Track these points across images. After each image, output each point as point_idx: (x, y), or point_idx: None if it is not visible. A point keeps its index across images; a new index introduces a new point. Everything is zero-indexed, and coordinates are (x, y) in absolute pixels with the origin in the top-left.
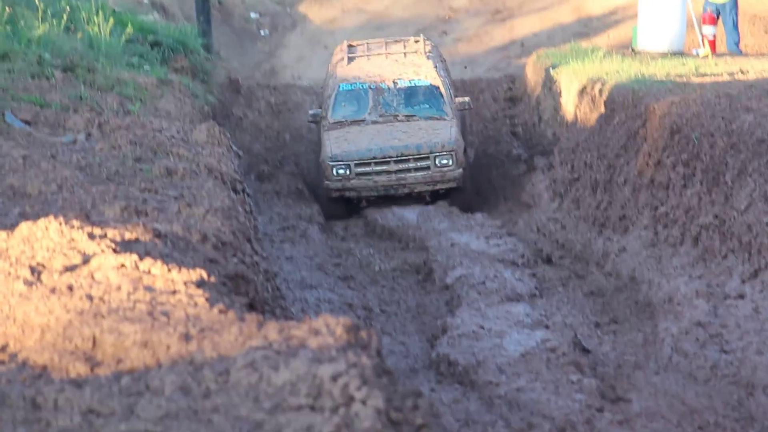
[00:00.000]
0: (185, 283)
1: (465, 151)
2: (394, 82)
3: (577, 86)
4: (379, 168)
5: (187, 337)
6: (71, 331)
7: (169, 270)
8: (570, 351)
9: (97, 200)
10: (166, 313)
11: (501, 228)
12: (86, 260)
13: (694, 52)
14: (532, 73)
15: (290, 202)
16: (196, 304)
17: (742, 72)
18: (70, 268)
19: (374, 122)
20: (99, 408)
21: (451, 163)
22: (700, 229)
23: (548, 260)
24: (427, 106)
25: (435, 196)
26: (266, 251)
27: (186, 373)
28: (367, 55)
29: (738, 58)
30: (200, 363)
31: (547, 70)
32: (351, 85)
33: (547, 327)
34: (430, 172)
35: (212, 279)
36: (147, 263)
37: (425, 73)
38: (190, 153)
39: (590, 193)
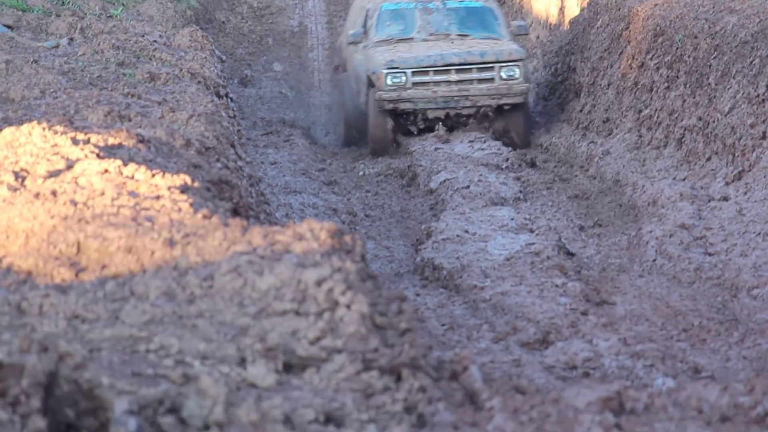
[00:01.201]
0: (169, 189)
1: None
2: (444, 2)
3: None
4: (438, 77)
5: (171, 243)
6: (55, 236)
7: (153, 175)
8: (554, 254)
9: (81, 105)
10: (150, 219)
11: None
12: (70, 165)
13: None
14: None
15: (274, 107)
16: (180, 210)
17: None
18: (54, 174)
19: (424, 41)
20: (84, 313)
21: (517, 75)
22: (684, 131)
23: (532, 164)
24: (482, 27)
25: (499, 114)
26: (250, 156)
27: (170, 278)
28: None
29: None
30: (184, 268)
31: None
32: (395, 4)
33: (531, 231)
34: (495, 84)
35: (196, 184)
36: (131, 168)
37: None
38: (173, 58)
39: (574, 97)
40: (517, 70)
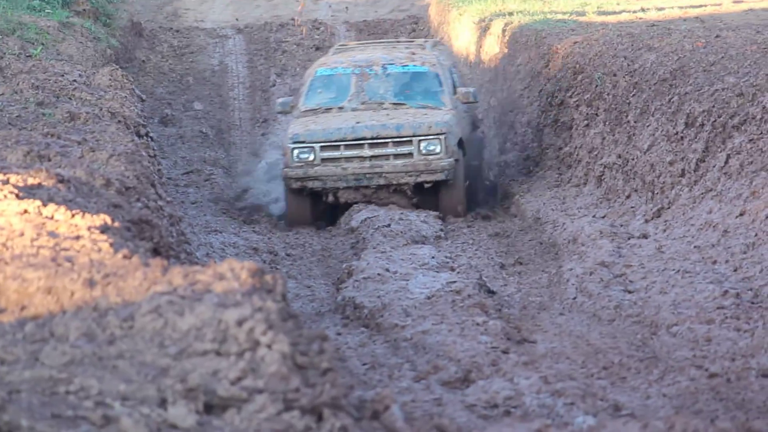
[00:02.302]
0: (89, 229)
1: (461, 144)
2: (384, 67)
3: (480, 27)
4: (350, 152)
5: (91, 283)
6: None
7: (73, 215)
8: (475, 293)
9: (0, 146)
10: (69, 259)
11: None
12: None
13: None
14: (435, 13)
15: (194, 146)
16: (100, 250)
17: (644, 11)
18: None
19: (354, 110)
20: (3, 355)
21: (439, 149)
22: (604, 169)
23: None
24: (422, 95)
25: (419, 192)
26: (171, 195)
27: (90, 319)
28: (361, 47)
29: None
30: (105, 309)
31: (450, 11)
32: (331, 69)
33: (452, 269)
34: (412, 160)
35: (116, 224)
36: (50, 209)
37: (423, 59)
38: (92, 97)
39: (495, 134)
40: (439, 145)
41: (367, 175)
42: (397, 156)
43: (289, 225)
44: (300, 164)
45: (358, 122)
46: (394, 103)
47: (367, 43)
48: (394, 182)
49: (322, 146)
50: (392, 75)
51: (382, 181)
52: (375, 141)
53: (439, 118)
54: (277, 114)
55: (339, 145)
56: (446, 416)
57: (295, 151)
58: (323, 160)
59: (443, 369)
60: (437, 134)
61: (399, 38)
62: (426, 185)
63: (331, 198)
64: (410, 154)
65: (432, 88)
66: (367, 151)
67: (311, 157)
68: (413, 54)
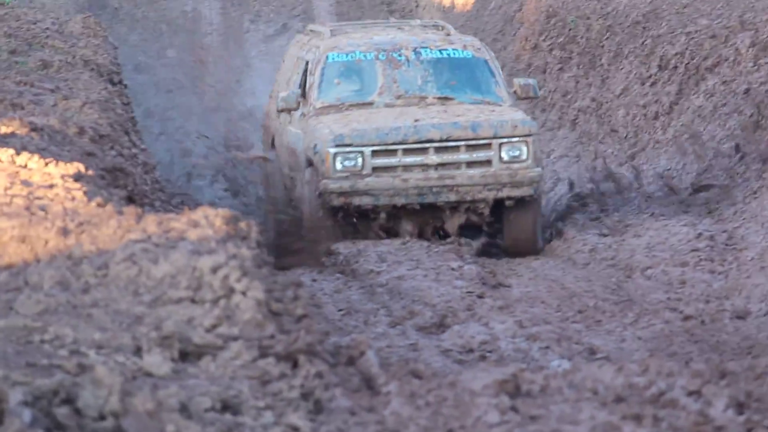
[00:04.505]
0: (63, 177)
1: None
2: (416, 51)
3: None
4: (410, 159)
5: (65, 232)
6: None
7: (46, 164)
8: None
9: None
10: (43, 208)
11: None
12: None
13: None
14: None
15: (168, 94)
16: (74, 198)
17: None
18: None
19: (388, 106)
20: None
21: (525, 156)
22: (578, 112)
23: None
24: (472, 87)
25: (497, 213)
26: (145, 143)
27: (65, 267)
28: (362, 29)
29: None
30: (79, 257)
31: None
32: (347, 54)
33: None
34: (493, 169)
35: (90, 172)
36: (24, 157)
37: (463, 42)
38: (65, 45)
39: None
40: (525, 149)
41: (434, 189)
42: (471, 164)
43: (304, 257)
44: (345, 174)
45: (417, 120)
46: (440, 98)
47: (366, 24)
48: (469, 198)
49: (374, 150)
50: (429, 62)
51: (453, 197)
52: (444, 144)
53: (520, 116)
54: (278, 112)
55: (396, 150)
56: (422, 361)
57: (338, 158)
58: (375, 168)
59: (419, 314)
60: (524, 136)
61: (407, 20)
62: (508, 202)
63: (383, 219)
64: (488, 162)
65: (484, 79)
66: (433, 158)
67: (359, 165)
68: (449, 35)
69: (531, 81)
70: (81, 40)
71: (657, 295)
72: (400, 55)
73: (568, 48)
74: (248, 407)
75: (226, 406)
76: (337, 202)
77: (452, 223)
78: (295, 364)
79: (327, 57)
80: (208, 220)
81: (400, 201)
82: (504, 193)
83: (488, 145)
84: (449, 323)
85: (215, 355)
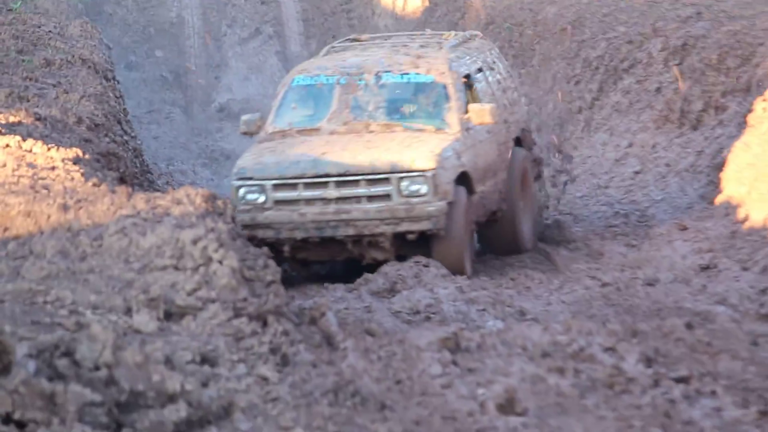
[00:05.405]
0: (63, 160)
1: (467, 180)
2: (378, 75)
3: None
4: (309, 193)
5: (65, 207)
6: None
7: (49, 149)
8: None
9: None
10: (46, 187)
11: None
12: None
13: None
14: None
15: (156, 88)
16: (72, 179)
17: None
18: None
19: (332, 133)
20: None
21: (425, 190)
22: None
23: None
24: (422, 112)
25: (402, 245)
26: (135, 132)
27: (65, 238)
28: (362, 46)
29: None
30: (77, 230)
31: None
32: (311, 77)
33: None
34: (390, 203)
35: (87, 156)
36: (29, 143)
37: (430, 65)
38: (66, 45)
39: None
40: (425, 185)
41: (332, 223)
42: (371, 198)
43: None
44: (248, 207)
45: (323, 153)
46: (386, 124)
47: (371, 41)
48: (366, 232)
49: (275, 185)
50: (386, 86)
51: (350, 231)
52: (343, 179)
53: (429, 148)
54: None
55: (297, 184)
56: (375, 321)
57: (241, 190)
58: (277, 202)
59: (372, 281)
60: (422, 171)
61: (420, 32)
62: (409, 236)
63: (287, 252)
64: (388, 196)
65: (438, 104)
66: (332, 192)
67: (262, 199)
68: (419, 58)
69: (486, 106)
70: (79, 41)
71: (579, 264)
72: (360, 80)
73: (504, 51)
74: (224, 360)
75: (205, 359)
76: (244, 234)
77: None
78: (264, 323)
79: (292, 81)
80: (189, 199)
81: (300, 235)
82: (403, 227)
83: (387, 180)
84: (399, 288)
85: (195, 315)
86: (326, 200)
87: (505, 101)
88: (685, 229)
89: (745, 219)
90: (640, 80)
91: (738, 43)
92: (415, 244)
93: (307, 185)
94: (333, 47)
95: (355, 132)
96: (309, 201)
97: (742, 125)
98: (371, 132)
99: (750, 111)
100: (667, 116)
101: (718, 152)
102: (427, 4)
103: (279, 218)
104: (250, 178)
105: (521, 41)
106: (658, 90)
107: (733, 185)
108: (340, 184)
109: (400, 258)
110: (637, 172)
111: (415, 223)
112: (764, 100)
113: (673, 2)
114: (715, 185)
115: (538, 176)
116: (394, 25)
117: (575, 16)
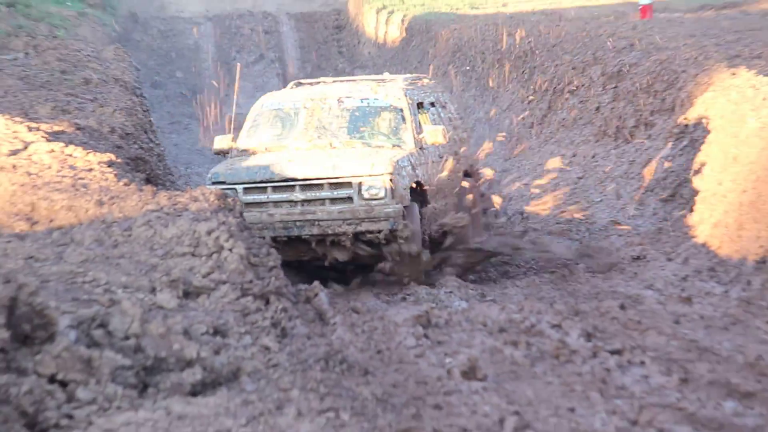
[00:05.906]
0: (99, 163)
1: (422, 191)
2: (340, 101)
3: (384, 17)
4: (277, 196)
5: (100, 203)
6: (15, 198)
7: (87, 153)
8: None
9: (33, 102)
10: (85, 185)
11: None
12: (26, 146)
13: None
14: (353, 6)
15: (176, 104)
16: (107, 179)
17: (504, 5)
18: (14, 152)
19: (298, 149)
20: (37, 254)
21: (383, 194)
22: (475, 122)
23: None
24: (380, 132)
25: (362, 245)
26: (158, 140)
27: (100, 229)
28: (326, 83)
29: None
30: (110, 222)
31: (363, 5)
32: (279, 102)
33: None
34: (352, 205)
35: (119, 160)
36: (70, 149)
37: (387, 93)
38: (101, 67)
39: None
40: (383, 188)
41: (298, 223)
42: (334, 201)
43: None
44: None
45: (290, 161)
46: (347, 142)
47: (332, 81)
48: (330, 231)
49: (245, 188)
50: (348, 110)
51: (315, 230)
52: (308, 183)
53: (387, 157)
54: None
55: (266, 187)
56: (359, 301)
57: None
58: (247, 204)
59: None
60: (380, 175)
61: (377, 76)
62: (369, 235)
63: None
64: (349, 199)
65: (395, 125)
66: (298, 195)
67: None
68: (378, 86)
69: (439, 127)
70: (113, 63)
71: (532, 254)
72: (324, 104)
73: (468, 75)
74: (233, 332)
75: (217, 331)
76: (251, 226)
77: (315, 254)
78: (267, 302)
79: (262, 105)
80: (204, 197)
81: (268, 234)
82: (363, 227)
83: (349, 184)
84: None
85: (209, 294)
86: (293, 202)
87: (455, 137)
88: (619, 225)
89: (670, 217)
90: (582, 100)
91: (664, 70)
92: (371, 246)
93: (275, 188)
94: (299, 83)
95: (320, 148)
96: (277, 203)
97: (667, 139)
98: (334, 148)
99: (674, 127)
100: (605, 131)
101: (648, 161)
102: (404, 34)
103: (249, 219)
104: (223, 182)
105: (483, 66)
106: (598, 109)
107: (659, 190)
108: (305, 188)
109: (357, 259)
110: (579, 178)
111: (374, 223)
112: (686, 119)
113: (610, 35)
114: (645, 189)
115: (485, 210)
116: (376, 52)
117: (529, 46)
